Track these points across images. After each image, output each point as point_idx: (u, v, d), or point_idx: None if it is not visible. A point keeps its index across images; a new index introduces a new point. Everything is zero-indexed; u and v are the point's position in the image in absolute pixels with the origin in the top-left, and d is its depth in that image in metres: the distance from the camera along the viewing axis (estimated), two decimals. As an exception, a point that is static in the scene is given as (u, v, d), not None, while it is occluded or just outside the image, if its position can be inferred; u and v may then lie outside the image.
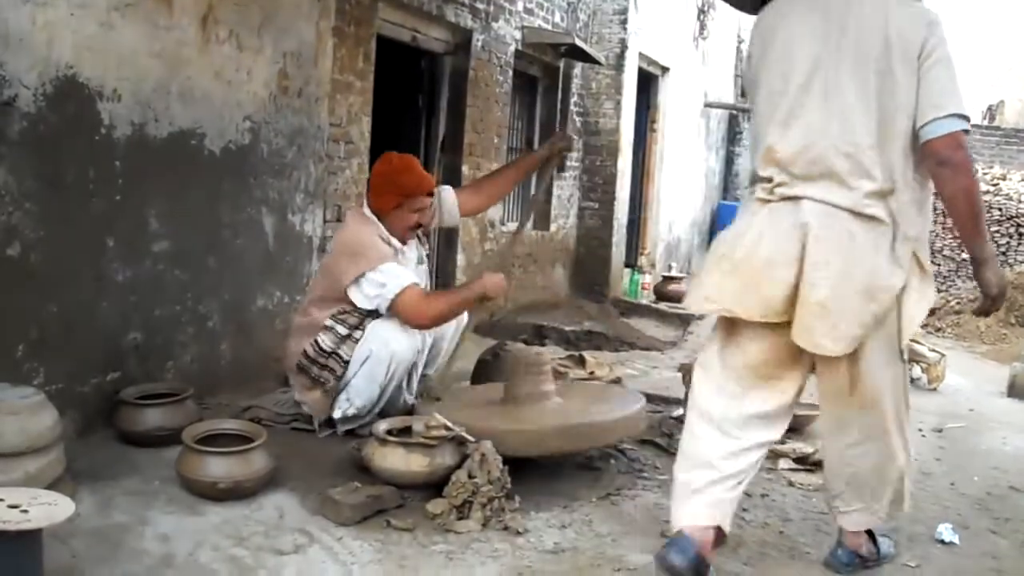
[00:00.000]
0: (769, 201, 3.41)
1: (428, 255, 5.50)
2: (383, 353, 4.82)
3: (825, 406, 3.63)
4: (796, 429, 5.77)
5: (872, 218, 3.31)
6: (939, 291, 14.85)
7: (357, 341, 4.90)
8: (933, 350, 8.13)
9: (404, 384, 5.14)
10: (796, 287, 3.31)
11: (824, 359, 3.42)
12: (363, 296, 4.84)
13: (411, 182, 5.06)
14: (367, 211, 5.10)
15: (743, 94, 20.00)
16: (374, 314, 4.92)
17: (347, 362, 4.89)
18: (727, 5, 4.30)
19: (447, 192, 5.47)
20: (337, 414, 4.95)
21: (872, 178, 3.30)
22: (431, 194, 5.21)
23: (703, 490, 3.47)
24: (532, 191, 5.60)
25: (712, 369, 3.60)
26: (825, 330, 3.28)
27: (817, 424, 3.74)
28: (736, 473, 3.49)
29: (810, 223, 3.30)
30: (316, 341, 4.93)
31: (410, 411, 4.90)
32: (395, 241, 5.04)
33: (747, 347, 3.50)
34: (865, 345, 3.37)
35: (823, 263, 3.27)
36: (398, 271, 4.88)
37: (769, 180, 3.42)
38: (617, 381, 6.34)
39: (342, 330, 4.91)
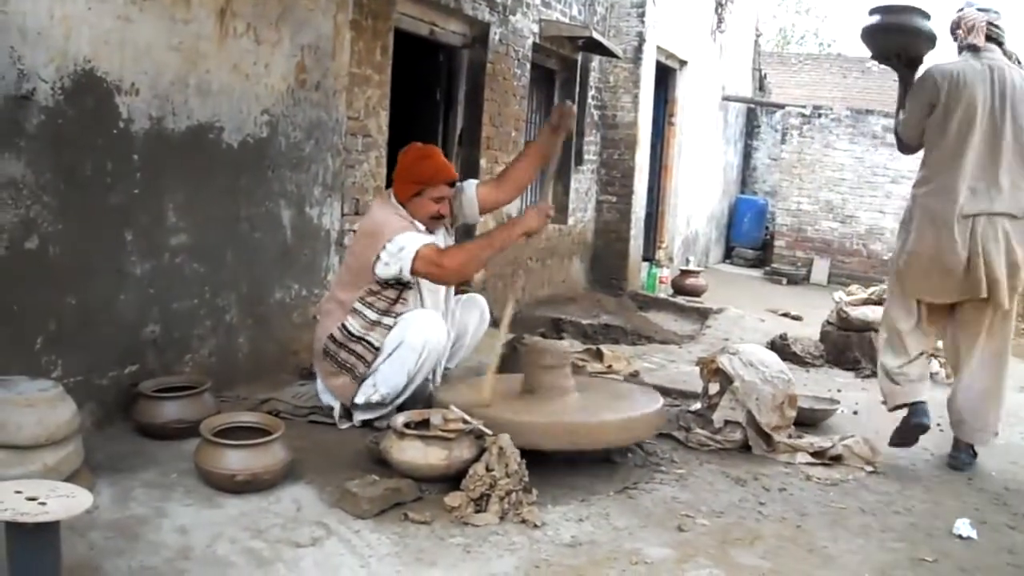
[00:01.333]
0: (965, 217, 5.04)
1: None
2: (417, 341, 4.83)
3: (965, 344, 5.37)
4: (813, 424, 5.77)
5: (1015, 217, 5.05)
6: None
7: (388, 328, 4.92)
8: (952, 344, 8.08)
9: (430, 377, 5.15)
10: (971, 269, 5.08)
11: (977, 310, 5.25)
12: (383, 265, 4.86)
13: (429, 170, 5.08)
14: (391, 198, 5.14)
15: (761, 87, 19.98)
16: (402, 300, 4.96)
17: (377, 349, 4.92)
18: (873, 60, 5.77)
19: (468, 186, 5.45)
20: (360, 399, 4.96)
21: (1019, 190, 5.06)
22: (452, 185, 5.21)
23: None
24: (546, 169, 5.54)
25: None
26: (1003, 291, 5.12)
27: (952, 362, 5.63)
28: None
29: (986, 231, 5.03)
30: (344, 325, 4.95)
31: (431, 401, 4.89)
32: (418, 224, 5.06)
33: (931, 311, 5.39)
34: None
35: (992, 252, 5.04)
36: (412, 235, 4.91)
37: (955, 194, 5.05)
38: (635, 375, 6.33)
39: (371, 315, 4.93)
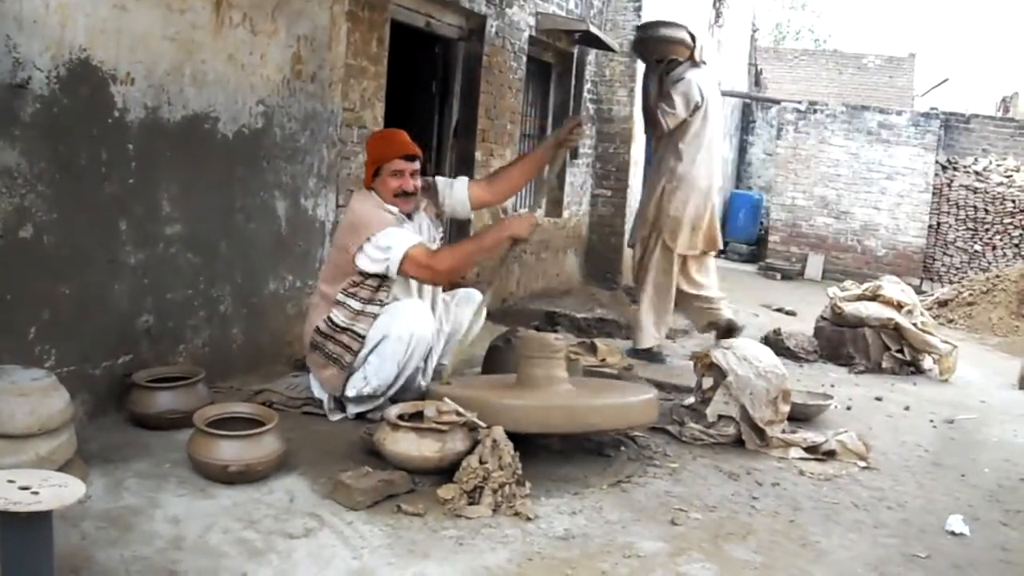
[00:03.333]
0: (711, 189, 7.27)
1: (442, 238, 5.48)
2: (403, 332, 4.82)
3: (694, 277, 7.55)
4: (806, 419, 5.78)
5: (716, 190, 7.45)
6: (951, 282, 14.82)
7: (373, 316, 4.91)
8: (945, 341, 8.12)
9: (421, 368, 5.14)
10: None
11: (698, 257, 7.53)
12: (369, 261, 4.85)
13: (381, 147, 5.12)
14: (366, 189, 5.17)
15: (756, 83, 20.02)
16: (385, 287, 4.94)
17: (363, 338, 4.90)
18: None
19: (459, 183, 5.46)
20: (351, 392, 4.95)
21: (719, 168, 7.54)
22: (412, 159, 5.13)
23: None
24: (544, 175, 5.69)
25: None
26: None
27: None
28: None
29: (714, 199, 7.37)
30: (329, 317, 4.94)
31: (423, 396, 4.90)
32: (394, 208, 5.05)
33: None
34: None
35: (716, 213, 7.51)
36: (400, 233, 4.90)
37: (708, 171, 7.26)
38: (628, 368, 6.33)
39: (355, 304, 4.91)
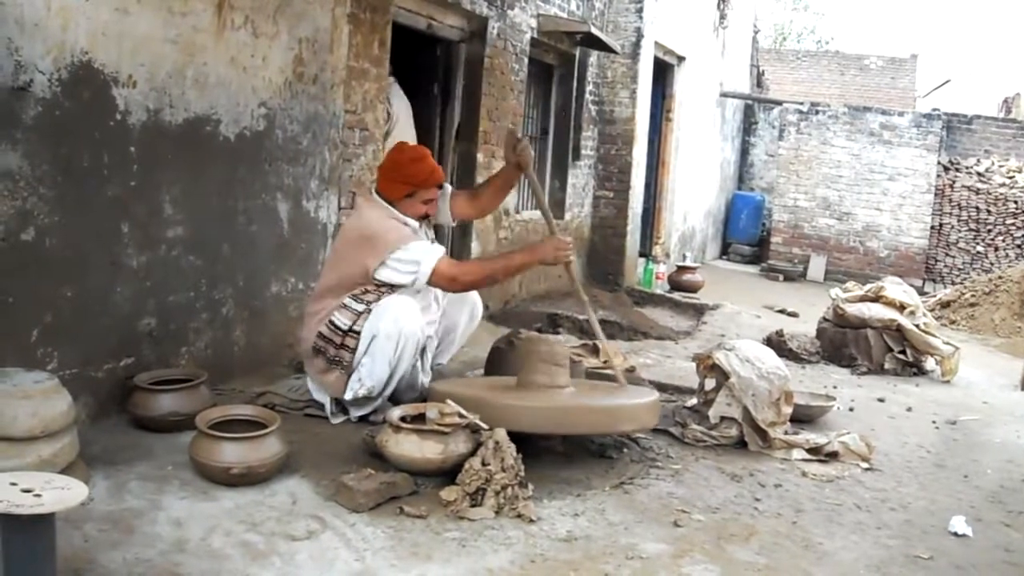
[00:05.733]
0: None
1: (433, 241, 5.49)
2: (391, 330, 4.81)
3: None
4: (809, 420, 5.77)
5: None
6: (953, 283, 14.81)
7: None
8: (947, 343, 8.11)
9: (419, 366, 5.14)
10: None
11: None
12: (396, 273, 4.89)
13: (423, 172, 5.09)
14: (376, 196, 5.12)
15: (758, 84, 20.02)
16: (388, 290, 4.94)
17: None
18: None
19: (444, 191, 5.48)
20: (348, 396, 4.94)
21: None
22: (440, 186, 5.25)
23: None
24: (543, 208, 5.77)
25: None
26: None
27: None
28: None
29: None
30: (331, 321, 4.93)
31: (424, 395, 4.90)
32: (410, 220, 5.08)
33: None
34: None
35: None
36: (424, 246, 4.96)
37: None
38: (631, 370, 6.33)
39: (360, 307, 4.91)
